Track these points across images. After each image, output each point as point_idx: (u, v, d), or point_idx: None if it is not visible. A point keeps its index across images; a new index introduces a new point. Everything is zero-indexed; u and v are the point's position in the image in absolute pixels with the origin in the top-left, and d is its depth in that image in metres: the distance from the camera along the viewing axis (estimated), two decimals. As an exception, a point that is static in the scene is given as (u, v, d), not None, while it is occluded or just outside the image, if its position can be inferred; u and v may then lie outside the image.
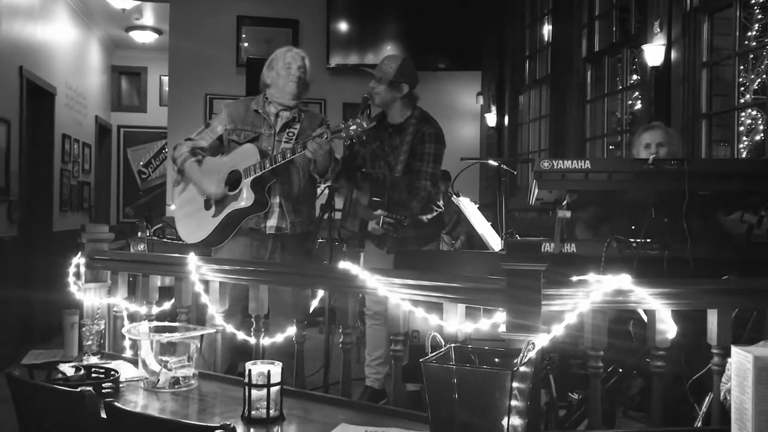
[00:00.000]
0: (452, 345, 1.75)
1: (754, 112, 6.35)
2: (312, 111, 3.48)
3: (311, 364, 3.23)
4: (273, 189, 3.19)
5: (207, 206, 3.27)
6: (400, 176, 3.47)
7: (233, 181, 3.18)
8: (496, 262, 1.81)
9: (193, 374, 2.20)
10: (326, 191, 3.17)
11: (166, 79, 8.75)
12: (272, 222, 3.20)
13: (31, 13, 6.06)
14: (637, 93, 5.86)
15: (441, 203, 3.71)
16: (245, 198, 3.13)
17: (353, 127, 2.97)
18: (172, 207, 3.49)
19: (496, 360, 1.68)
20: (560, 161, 2.51)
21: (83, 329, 2.54)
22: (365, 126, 2.99)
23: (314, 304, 2.70)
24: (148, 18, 8.22)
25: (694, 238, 2.46)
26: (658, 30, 4.91)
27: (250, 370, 1.83)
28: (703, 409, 2.28)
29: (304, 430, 1.84)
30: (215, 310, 2.49)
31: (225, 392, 2.15)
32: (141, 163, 9.90)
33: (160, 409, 2.00)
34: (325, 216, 3.06)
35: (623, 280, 1.83)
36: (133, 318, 2.71)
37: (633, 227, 2.71)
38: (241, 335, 2.48)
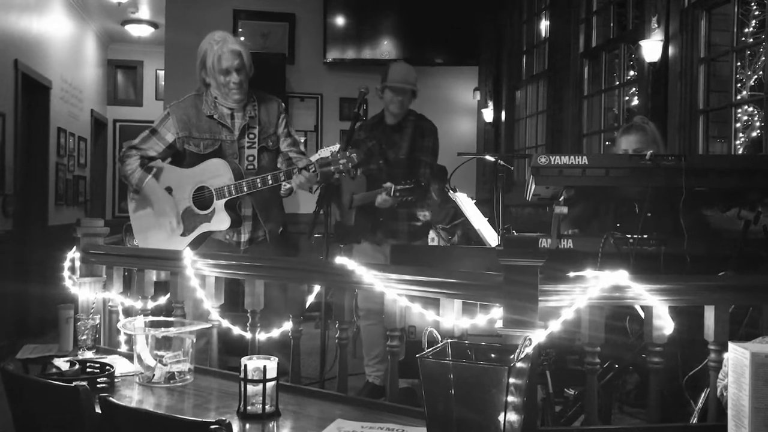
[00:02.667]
0: (449, 340, 1.74)
1: (751, 109, 6.36)
2: (266, 99, 3.22)
3: (307, 359, 3.24)
4: (243, 201, 3.07)
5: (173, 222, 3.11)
6: (404, 158, 3.56)
7: (204, 199, 3.04)
8: (493, 258, 1.81)
9: (188, 369, 2.20)
10: (321, 186, 3.16)
11: (162, 73, 8.71)
12: (245, 237, 3.09)
13: (26, 6, 6.03)
14: (634, 89, 5.86)
15: (435, 198, 3.75)
16: (221, 221, 2.99)
17: (343, 161, 2.84)
18: (130, 215, 3.25)
19: (493, 356, 1.68)
20: (557, 157, 2.50)
21: (78, 324, 2.53)
22: (356, 161, 2.86)
23: (310, 299, 2.69)
24: (144, 12, 8.18)
25: (691, 234, 2.46)
26: (656, 26, 4.90)
27: (246, 365, 1.83)
28: (699, 405, 2.28)
29: (299, 425, 1.83)
30: (211, 305, 2.48)
31: (221, 387, 2.14)
32: (137, 157, 9.86)
33: (155, 404, 1.99)
34: (321, 211, 3.05)
35: (620, 276, 1.82)
36: (128, 313, 2.70)
37: (618, 224, 2.71)
38: (236, 330, 2.47)
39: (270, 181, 2.92)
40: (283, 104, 3.29)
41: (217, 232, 3.06)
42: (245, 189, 2.94)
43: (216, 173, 3.00)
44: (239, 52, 3.01)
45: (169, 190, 3.12)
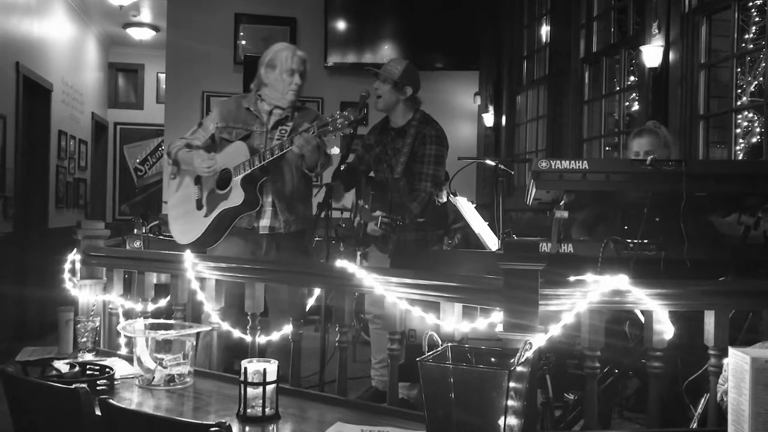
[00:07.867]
0: (449, 344, 1.74)
1: (751, 114, 6.36)
2: (306, 108, 3.41)
3: (307, 362, 3.23)
4: (265, 187, 3.16)
5: (198, 206, 3.23)
6: (399, 177, 3.47)
7: (224, 179, 3.15)
8: (494, 262, 1.81)
9: (188, 372, 2.19)
10: (323, 189, 3.16)
11: (163, 76, 8.73)
12: (265, 222, 3.16)
13: (27, 10, 6.04)
14: (634, 94, 5.87)
15: (444, 199, 3.67)
16: (237, 197, 3.09)
17: (339, 120, 2.95)
18: (167, 203, 3.47)
19: (493, 360, 1.68)
20: (558, 161, 2.50)
21: (78, 326, 2.53)
22: (351, 118, 2.96)
23: (310, 302, 2.69)
24: (146, 15, 8.20)
25: (691, 239, 2.46)
26: (656, 31, 4.91)
27: (246, 368, 1.83)
28: (699, 410, 2.28)
29: (299, 428, 1.83)
30: (211, 308, 2.48)
31: (220, 390, 2.14)
32: (137, 160, 9.88)
33: (155, 407, 1.99)
34: (322, 214, 3.05)
35: (620, 281, 1.82)
36: (128, 315, 2.70)
37: (626, 227, 2.70)
38: (237, 333, 2.47)
39: (277, 151, 3.05)
40: (321, 115, 3.34)
41: (241, 219, 3.14)
42: (257, 162, 3.07)
43: (236, 155, 3.15)
44: (305, 60, 3.27)
45: (198, 179, 3.26)
